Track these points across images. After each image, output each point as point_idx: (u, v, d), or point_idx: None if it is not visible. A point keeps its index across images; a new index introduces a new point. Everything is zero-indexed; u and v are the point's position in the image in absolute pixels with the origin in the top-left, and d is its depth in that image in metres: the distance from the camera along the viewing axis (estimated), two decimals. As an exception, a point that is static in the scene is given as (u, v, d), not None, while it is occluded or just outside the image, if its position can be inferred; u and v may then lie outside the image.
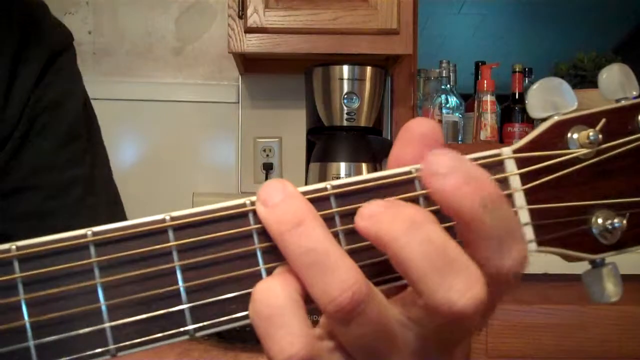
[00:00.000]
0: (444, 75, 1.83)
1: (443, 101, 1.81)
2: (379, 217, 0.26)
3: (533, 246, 0.29)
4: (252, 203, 0.28)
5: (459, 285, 0.25)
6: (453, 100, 1.82)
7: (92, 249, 0.27)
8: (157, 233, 0.27)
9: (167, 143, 1.78)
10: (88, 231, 0.27)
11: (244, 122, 1.78)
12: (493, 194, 0.26)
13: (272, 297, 0.26)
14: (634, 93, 0.31)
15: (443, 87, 1.83)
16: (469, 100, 1.86)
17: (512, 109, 1.83)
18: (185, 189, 1.73)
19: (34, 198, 0.57)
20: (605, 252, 0.31)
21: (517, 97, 1.84)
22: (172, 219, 0.28)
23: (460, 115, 1.83)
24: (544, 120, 0.31)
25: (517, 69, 1.83)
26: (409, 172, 0.29)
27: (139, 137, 1.79)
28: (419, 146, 0.29)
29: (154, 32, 1.80)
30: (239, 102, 1.79)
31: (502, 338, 1.21)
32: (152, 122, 1.78)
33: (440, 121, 1.79)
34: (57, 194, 0.58)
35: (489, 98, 1.74)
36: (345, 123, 1.55)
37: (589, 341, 1.22)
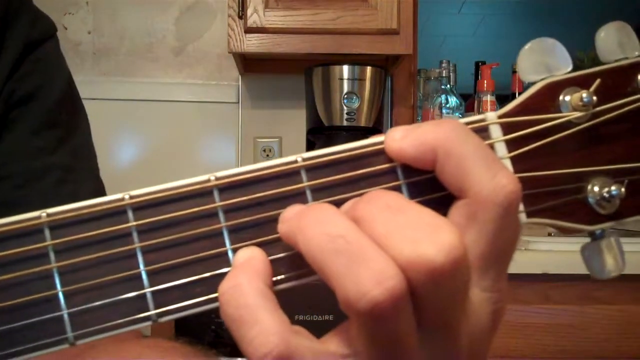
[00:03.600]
0: (444, 75, 1.83)
1: (443, 101, 1.80)
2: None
3: (522, 217, 0.27)
4: (217, 179, 0.26)
5: (430, 234, 0.23)
6: (453, 100, 1.82)
7: (47, 232, 0.25)
8: (115, 213, 0.26)
9: (167, 143, 1.78)
10: (42, 213, 0.25)
11: (244, 122, 1.78)
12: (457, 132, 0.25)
13: (239, 296, 0.24)
14: (635, 53, 0.29)
15: (443, 87, 1.82)
16: (469, 100, 1.86)
17: (512, 109, 1.83)
18: (185, 189, 1.72)
19: (3, 188, 0.56)
20: (604, 223, 0.28)
21: (517, 97, 1.83)
22: (132, 197, 0.26)
23: (460, 115, 1.83)
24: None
25: (517, 69, 1.83)
26: (382, 143, 0.27)
27: (139, 137, 1.79)
28: None
29: (154, 32, 1.80)
30: (239, 102, 1.79)
31: (502, 338, 1.21)
32: (152, 122, 1.78)
33: (440, 121, 1.79)
34: (27, 182, 0.57)
35: (489, 98, 1.74)
36: (345, 123, 1.55)
37: (589, 341, 1.22)
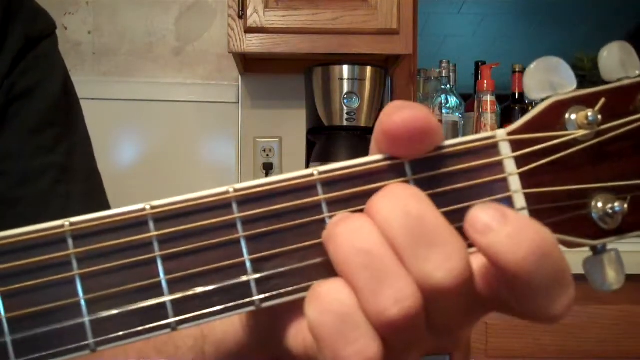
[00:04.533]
0: (444, 75, 1.83)
1: (443, 101, 1.81)
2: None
3: None
4: (236, 190, 0.27)
5: (436, 258, 0.24)
6: (453, 100, 1.82)
7: (70, 241, 0.26)
8: (137, 223, 0.26)
9: (167, 143, 1.78)
10: (65, 222, 0.26)
11: (244, 122, 1.78)
12: (543, 245, 0.25)
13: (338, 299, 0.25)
14: (637, 72, 0.30)
15: (443, 87, 1.83)
16: (469, 100, 1.86)
17: (512, 109, 1.83)
18: (185, 189, 1.70)
19: (1, 184, 0.57)
20: (606, 238, 0.29)
21: (517, 97, 1.84)
22: (153, 207, 0.27)
23: (460, 115, 1.83)
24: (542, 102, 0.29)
25: (517, 69, 1.83)
26: (396, 158, 0.28)
27: (139, 137, 1.79)
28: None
29: (154, 32, 1.80)
30: (239, 102, 1.79)
31: (502, 338, 1.21)
32: (152, 122, 1.78)
33: (440, 121, 1.79)
34: (25, 181, 0.57)
35: (489, 98, 1.74)
36: (345, 123, 1.55)
37: (589, 341, 1.22)
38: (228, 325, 0.35)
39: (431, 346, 0.27)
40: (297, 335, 0.29)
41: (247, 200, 0.27)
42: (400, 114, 0.26)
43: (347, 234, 0.25)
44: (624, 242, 0.30)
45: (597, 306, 1.22)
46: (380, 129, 0.27)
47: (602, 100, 0.29)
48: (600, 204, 0.29)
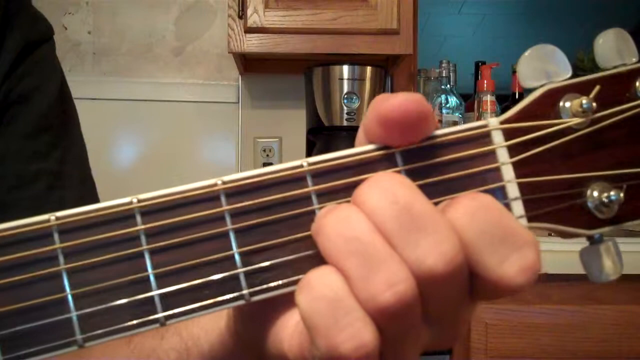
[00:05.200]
0: (444, 75, 1.82)
1: (443, 101, 1.80)
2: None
3: (523, 222, 0.28)
4: (224, 183, 0.27)
5: (426, 244, 0.24)
6: (453, 100, 1.82)
7: (56, 235, 0.26)
8: (124, 217, 0.26)
9: (167, 143, 1.78)
10: (51, 216, 0.26)
11: (244, 122, 1.78)
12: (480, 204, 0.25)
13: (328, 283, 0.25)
14: (633, 59, 0.29)
15: (443, 87, 1.82)
16: (469, 100, 1.85)
17: (512, 108, 1.83)
18: (185, 189, 1.72)
19: None
20: (602, 227, 0.28)
21: (517, 97, 1.83)
22: (140, 201, 0.26)
23: (460, 115, 1.82)
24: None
25: (517, 75, 1.83)
26: (385, 148, 0.27)
27: (139, 137, 1.79)
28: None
29: (154, 32, 1.80)
30: (239, 102, 1.79)
31: (502, 338, 1.21)
32: (152, 122, 1.78)
33: (440, 121, 1.79)
34: (21, 185, 0.57)
35: (489, 98, 1.74)
36: (345, 123, 1.55)
37: (589, 341, 1.22)
38: (214, 335, 0.35)
39: (428, 339, 0.27)
40: (293, 336, 0.28)
41: (235, 192, 0.27)
42: (396, 98, 0.26)
43: (335, 223, 0.25)
44: (624, 242, 0.29)
45: (597, 306, 1.22)
46: (375, 114, 0.27)
47: (597, 87, 0.28)
48: (595, 193, 0.28)
